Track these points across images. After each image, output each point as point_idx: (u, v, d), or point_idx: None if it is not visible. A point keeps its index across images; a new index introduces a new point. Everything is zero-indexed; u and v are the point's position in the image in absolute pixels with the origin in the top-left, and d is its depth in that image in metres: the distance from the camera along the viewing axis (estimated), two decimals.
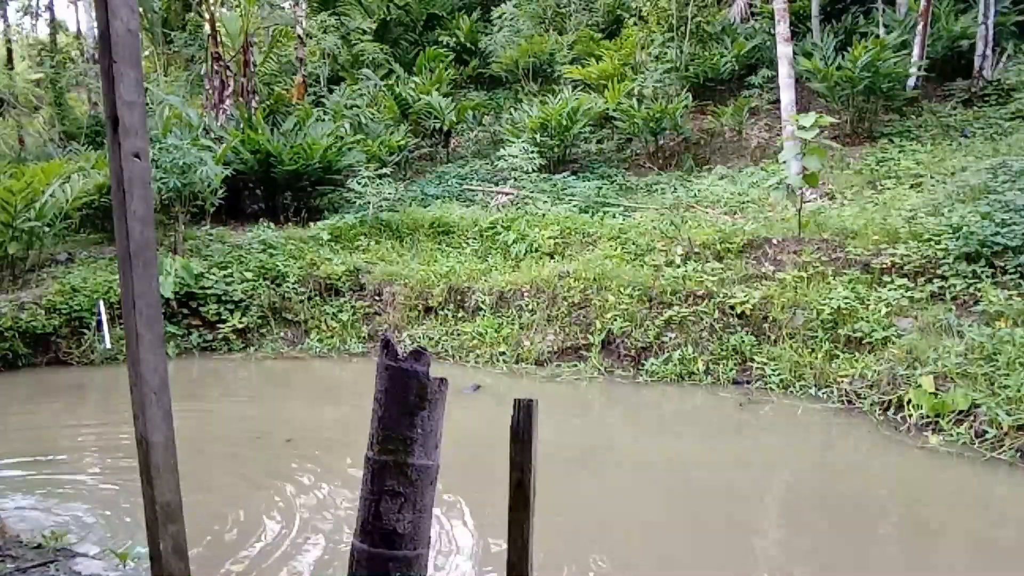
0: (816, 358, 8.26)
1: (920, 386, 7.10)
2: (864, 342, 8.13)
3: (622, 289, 9.50)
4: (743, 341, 8.75)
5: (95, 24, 4.98)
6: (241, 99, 15.99)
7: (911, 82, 14.16)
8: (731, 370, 8.67)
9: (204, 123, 14.37)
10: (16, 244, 11.07)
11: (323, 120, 15.80)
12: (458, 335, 10.20)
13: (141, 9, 16.81)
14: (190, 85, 19.52)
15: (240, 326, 10.72)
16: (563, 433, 7.23)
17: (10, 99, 20.52)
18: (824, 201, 11.76)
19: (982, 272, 8.17)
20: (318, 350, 10.57)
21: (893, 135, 13.48)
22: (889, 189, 11.29)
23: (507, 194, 13.73)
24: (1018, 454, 6.28)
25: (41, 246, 11.67)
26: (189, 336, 10.65)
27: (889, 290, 8.43)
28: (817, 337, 8.40)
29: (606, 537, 5.34)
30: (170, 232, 11.89)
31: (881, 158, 12.70)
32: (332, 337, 10.71)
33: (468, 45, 20.93)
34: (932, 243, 8.66)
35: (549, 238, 11.27)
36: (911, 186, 11.27)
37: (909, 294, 8.32)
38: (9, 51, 25.33)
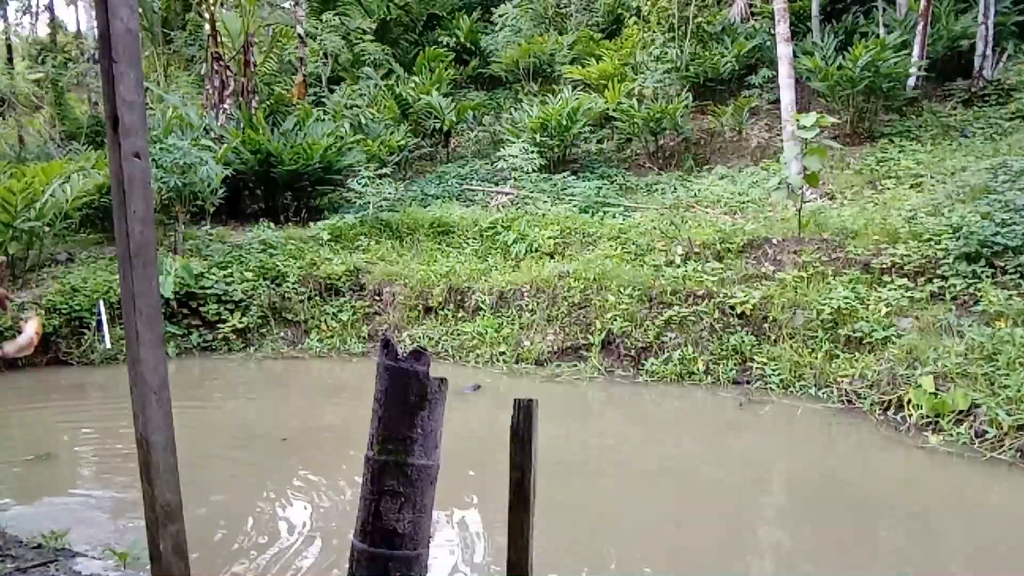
0: (816, 358, 8.26)
1: (920, 386, 7.11)
2: (864, 342, 8.13)
3: (622, 289, 9.50)
4: (743, 341, 8.75)
5: (95, 24, 4.98)
6: (241, 99, 15.98)
7: (911, 82, 14.17)
8: (731, 370, 8.67)
9: (204, 123, 14.37)
10: (16, 244, 11.07)
11: (323, 120, 15.79)
12: (458, 335, 10.20)
13: (141, 9, 16.81)
14: (190, 85, 19.52)
15: (240, 326, 10.72)
16: (563, 433, 7.23)
17: (11, 99, 20.52)
18: (824, 201, 11.77)
19: (982, 272, 8.17)
20: (318, 350, 10.57)
21: (893, 135, 13.48)
22: (889, 189, 11.29)
23: (507, 194, 13.73)
24: (1018, 454, 6.28)
25: (41, 246, 11.66)
26: (189, 336, 10.65)
27: (889, 290, 8.43)
28: (817, 337, 8.41)
29: (606, 537, 5.34)
30: (170, 232, 11.89)
31: (881, 158, 12.71)
32: (332, 337, 10.71)
33: (468, 45, 20.93)
34: (932, 243, 8.66)
35: (549, 238, 11.27)
36: (911, 186, 11.27)
37: (909, 294, 8.32)
38: (9, 48, 25.33)
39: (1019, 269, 8.05)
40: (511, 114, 16.83)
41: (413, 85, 18.07)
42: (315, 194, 14.62)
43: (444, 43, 20.80)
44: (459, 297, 10.61)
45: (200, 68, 19.60)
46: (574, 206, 12.79)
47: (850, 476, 6.43)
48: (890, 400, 7.42)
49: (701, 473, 6.56)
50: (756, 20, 17.43)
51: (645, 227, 10.96)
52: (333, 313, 11.00)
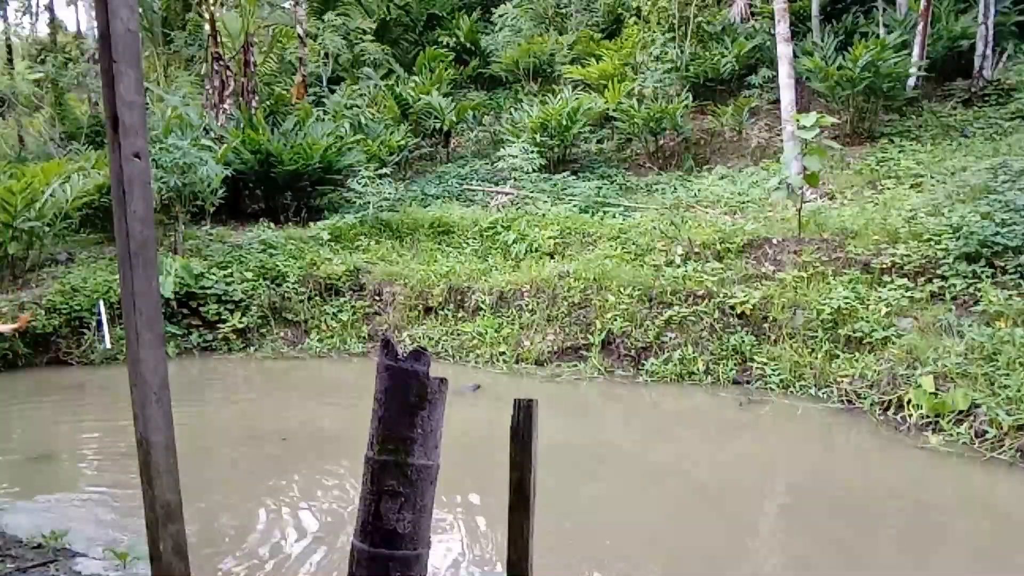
0: (816, 358, 8.26)
1: (920, 386, 7.11)
2: (864, 342, 8.13)
3: (622, 289, 9.50)
4: (743, 341, 8.75)
5: (95, 24, 4.98)
6: (241, 99, 15.99)
7: (911, 82, 14.16)
8: (731, 370, 8.67)
9: (204, 123, 14.37)
10: (16, 244, 11.06)
11: (323, 120, 15.79)
12: (458, 335, 10.20)
13: (141, 9, 16.81)
14: (190, 85, 19.51)
15: (240, 326, 10.72)
16: (563, 433, 7.23)
17: (11, 99, 20.51)
18: (824, 201, 11.76)
19: (982, 272, 8.17)
20: (318, 350, 10.57)
21: (893, 135, 13.47)
22: (889, 189, 11.29)
23: (507, 194, 13.73)
24: (1018, 454, 6.28)
25: (41, 246, 11.66)
26: (189, 336, 10.65)
27: (889, 290, 8.43)
28: (817, 337, 8.40)
29: (606, 537, 5.34)
30: (170, 232, 11.89)
31: (881, 158, 12.71)
32: (332, 337, 10.71)
33: (468, 45, 20.93)
34: (932, 243, 8.66)
35: (549, 238, 11.27)
36: (911, 186, 11.27)
37: (909, 294, 8.32)
38: (9, 50, 25.32)
39: (1019, 269, 8.04)
40: (511, 114, 16.82)
41: (413, 85, 18.07)
42: (315, 194, 14.62)
43: (444, 43, 20.79)
44: (459, 297, 10.61)
45: (200, 68, 19.60)
46: (574, 206, 12.79)
47: (850, 476, 6.43)
48: (890, 400, 7.42)
49: (701, 473, 6.56)
50: (756, 20, 17.42)
51: (645, 227, 10.96)
52: (333, 313, 11.00)
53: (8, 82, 20.70)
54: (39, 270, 11.38)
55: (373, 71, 19.77)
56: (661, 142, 15.55)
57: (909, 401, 7.21)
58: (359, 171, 13.56)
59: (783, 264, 9.45)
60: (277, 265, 11.33)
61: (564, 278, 9.99)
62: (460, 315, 10.48)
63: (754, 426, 7.66)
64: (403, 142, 16.08)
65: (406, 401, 2.64)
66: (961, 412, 6.81)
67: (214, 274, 10.95)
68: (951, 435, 6.71)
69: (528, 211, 12.43)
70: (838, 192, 12.05)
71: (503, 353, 9.73)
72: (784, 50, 12.22)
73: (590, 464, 6.73)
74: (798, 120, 9.80)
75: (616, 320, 9.29)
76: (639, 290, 9.45)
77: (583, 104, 15.02)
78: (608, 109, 15.46)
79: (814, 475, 6.50)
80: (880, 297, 8.39)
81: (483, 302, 10.34)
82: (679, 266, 9.80)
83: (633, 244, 10.62)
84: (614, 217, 12.19)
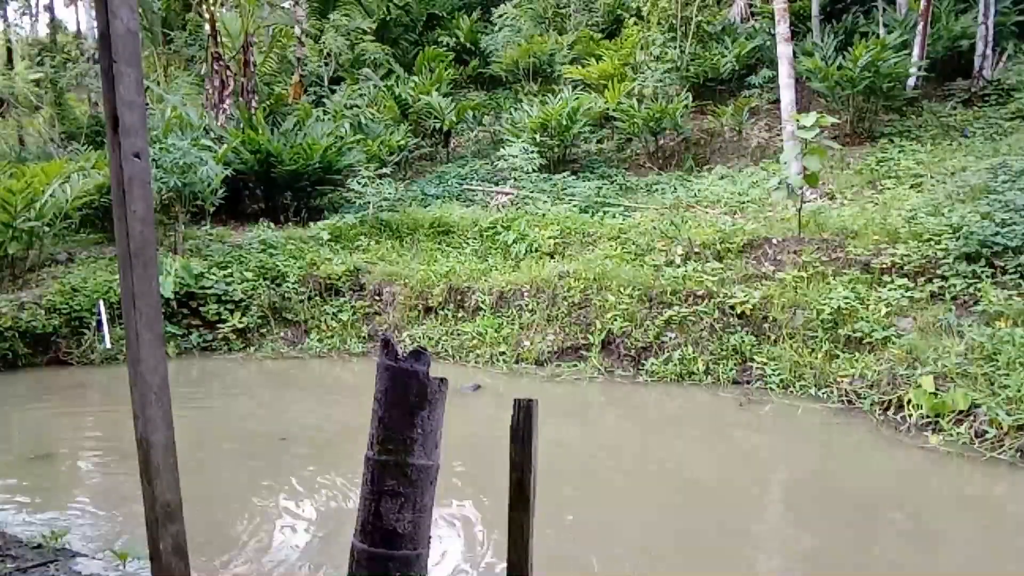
0: (816, 358, 8.26)
1: (920, 386, 7.11)
2: (864, 342, 8.13)
3: (622, 289, 9.50)
4: (743, 341, 8.75)
5: (95, 24, 4.98)
6: (241, 99, 15.99)
7: (911, 82, 14.17)
8: (731, 370, 8.67)
9: (204, 123, 14.37)
10: (16, 244, 11.07)
11: (323, 120, 15.80)
12: (458, 335, 10.20)
13: (141, 9, 16.81)
14: (190, 85, 19.51)
15: (240, 326, 10.72)
16: (563, 433, 7.23)
17: (10, 99, 20.51)
18: (824, 201, 11.77)
19: (982, 272, 8.17)
20: (318, 350, 10.57)
21: (893, 135, 13.48)
22: (889, 189, 11.30)
23: (507, 194, 13.73)
24: (1018, 454, 6.29)
25: (41, 246, 11.66)
26: (189, 336, 10.65)
27: (889, 290, 8.43)
28: (817, 337, 8.40)
29: (606, 537, 5.34)
30: (170, 232, 11.89)
31: (881, 158, 12.71)
32: (332, 337, 10.71)
33: (468, 45, 20.93)
34: (932, 243, 8.66)
35: (549, 238, 11.27)
36: (911, 186, 11.27)
37: (909, 294, 8.32)
38: (9, 51, 25.32)
39: (1019, 269, 8.05)
40: (511, 114, 16.82)
41: (413, 85, 18.07)
42: (315, 194, 14.62)
43: (444, 43, 20.79)
44: (459, 297, 10.61)
45: (200, 68, 19.60)
46: (574, 206, 12.79)
47: (850, 476, 6.43)
48: (890, 400, 7.42)
49: (701, 473, 6.56)
50: (756, 20, 17.42)
51: (645, 227, 10.96)
52: (333, 313, 11.00)
53: (8, 82, 20.70)
54: (39, 270, 11.38)
55: (373, 71, 19.77)
56: (661, 142, 15.56)
57: (909, 401, 7.21)
58: (359, 171, 13.57)
59: (783, 264, 9.45)
60: (277, 265, 11.33)
61: (564, 278, 9.99)
62: (460, 315, 10.48)
63: (754, 426, 7.66)
64: (403, 142, 16.08)
65: (406, 401, 2.64)
66: (961, 412, 6.81)
67: (214, 274, 10.96)
68: (951, 435, 6.71)
69: (528, 211, 12.43)
70: (838, 192, 12.05)
71: (503, 353, 9.73)
72: (784, 50, 12.22)
73: (590, 464, 6.73)
74: (798, 120, 9.80)
75: (616, 320, 9.29)
76: (639, 290, 9.45)
77: (583, 104, 15.02)
78: (608, 109, 15.47)
79: (814, 475, 6.50)
80: (880, 297, 8.39)
81: (483, 302, 10.34)
82: (679, 266, 9.80)
83: (633, 244, 10.62)
84: (614, 217, 12.19)
